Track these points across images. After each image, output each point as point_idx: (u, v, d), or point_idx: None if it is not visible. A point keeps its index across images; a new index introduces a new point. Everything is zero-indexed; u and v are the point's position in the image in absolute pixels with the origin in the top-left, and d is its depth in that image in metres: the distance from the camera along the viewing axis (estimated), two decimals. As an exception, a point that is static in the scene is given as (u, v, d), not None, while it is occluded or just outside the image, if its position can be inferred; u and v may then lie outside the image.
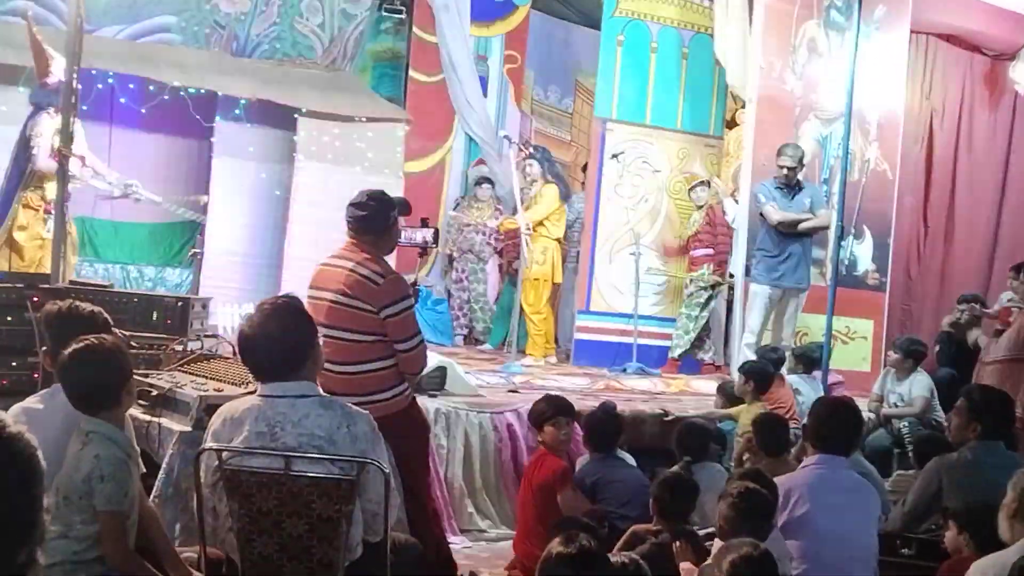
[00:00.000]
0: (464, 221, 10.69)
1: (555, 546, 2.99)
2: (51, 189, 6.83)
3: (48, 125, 7.11)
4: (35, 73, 7.36)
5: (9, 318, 5.39)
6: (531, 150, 9.73)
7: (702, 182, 9.92)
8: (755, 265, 8.92)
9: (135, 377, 4.51)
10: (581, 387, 8.25)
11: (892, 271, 10.53)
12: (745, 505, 3.80)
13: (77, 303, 3.85)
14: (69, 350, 3.32)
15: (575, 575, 2.93)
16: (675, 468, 5.28)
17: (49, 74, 7.10)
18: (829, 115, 9.78)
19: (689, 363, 9.85)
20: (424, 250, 9.72)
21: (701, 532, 4.46)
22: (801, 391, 7.60)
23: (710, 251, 9.77)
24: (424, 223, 9.83)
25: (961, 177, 11.90)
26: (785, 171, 8.67)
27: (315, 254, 7.29)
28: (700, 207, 9.86)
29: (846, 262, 9.71)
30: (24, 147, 7.40)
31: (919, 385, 8.07)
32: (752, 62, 9.55)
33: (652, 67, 10.25)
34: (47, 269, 6.39)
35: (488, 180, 10.82)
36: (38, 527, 1.21)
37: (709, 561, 3.65)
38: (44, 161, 6.98)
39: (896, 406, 8.09)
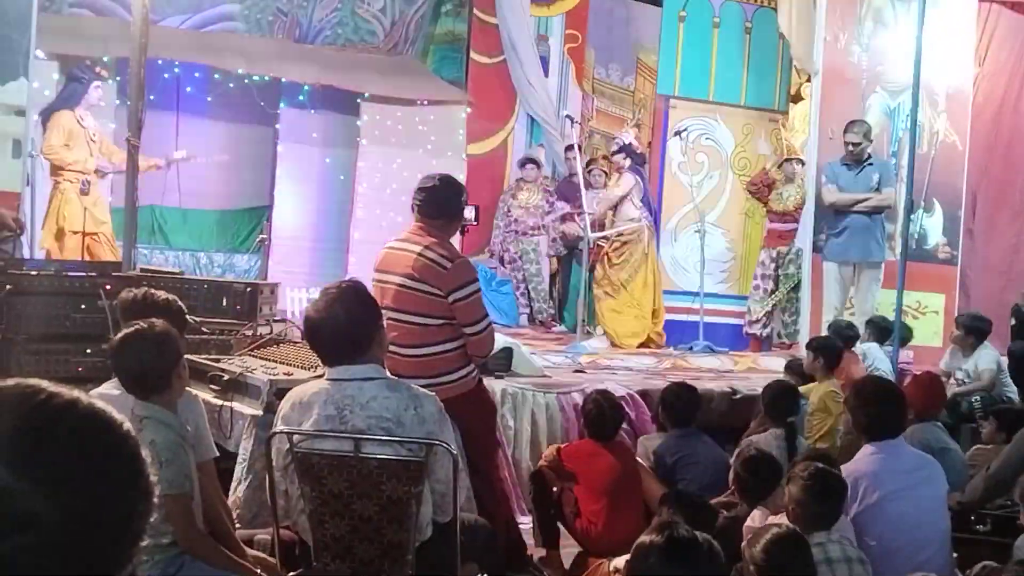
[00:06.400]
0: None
1: (648, 534, 2.94)
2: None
3: None
4: None
5: (83, 306, 5.48)
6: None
7: (796, 159, 9.78)
8: (824, 243, 8.86)
9: (204, 362, 4.62)
10: (648, 366, 8.23)
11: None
12: (818, 487, 3.71)
13: (152, 291, 3.92)
14: (119, 336, 3.37)
15: (669, 564, 2.88)
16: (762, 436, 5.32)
17: None
18: (896, 87, 9.60)
19: (768, 341, 9.80)
20: (463, 228, 9.82)
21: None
22: (876, 361, 7.47)
23: (798, 225, 9.62)
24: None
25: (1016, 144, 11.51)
26: (851, 147, 8.58)
27: (380, 237, 7.37)
28: (792, 181, 9.67)
29: (916, 236, 9.54)
30: None
31: (985, 359, 7.91)
32: (817, 34, 9.41)
33: (715, 42, 10.16)
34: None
35: (533, 161, 10.75)
36: (144, 532, 1.23)
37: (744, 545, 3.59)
38: None
39: (964, 382, 7.94)
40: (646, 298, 9.60)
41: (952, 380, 8.01)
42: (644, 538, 2.89)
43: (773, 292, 9.66)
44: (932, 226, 10.02)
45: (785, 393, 5.96)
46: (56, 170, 8.13)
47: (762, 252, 9.84)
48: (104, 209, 8.30)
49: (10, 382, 1.22)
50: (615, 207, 9.68)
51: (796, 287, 9.55)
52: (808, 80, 10.16)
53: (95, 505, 1.16)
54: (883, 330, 7.88)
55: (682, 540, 2.85)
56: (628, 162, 9.61)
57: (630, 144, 9.83)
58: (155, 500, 1.24)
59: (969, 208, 10.74)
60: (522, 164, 10.73)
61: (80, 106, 8.20)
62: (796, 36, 9.58)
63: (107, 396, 3.46)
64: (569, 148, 10.24)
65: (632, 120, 11.25)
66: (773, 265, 9.69)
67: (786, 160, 9.71)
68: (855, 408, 4.48)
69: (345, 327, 3.39)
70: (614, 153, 9.88)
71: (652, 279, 9.70)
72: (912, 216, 8.47)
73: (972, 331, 8.06)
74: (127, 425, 1.24)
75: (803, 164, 9.79)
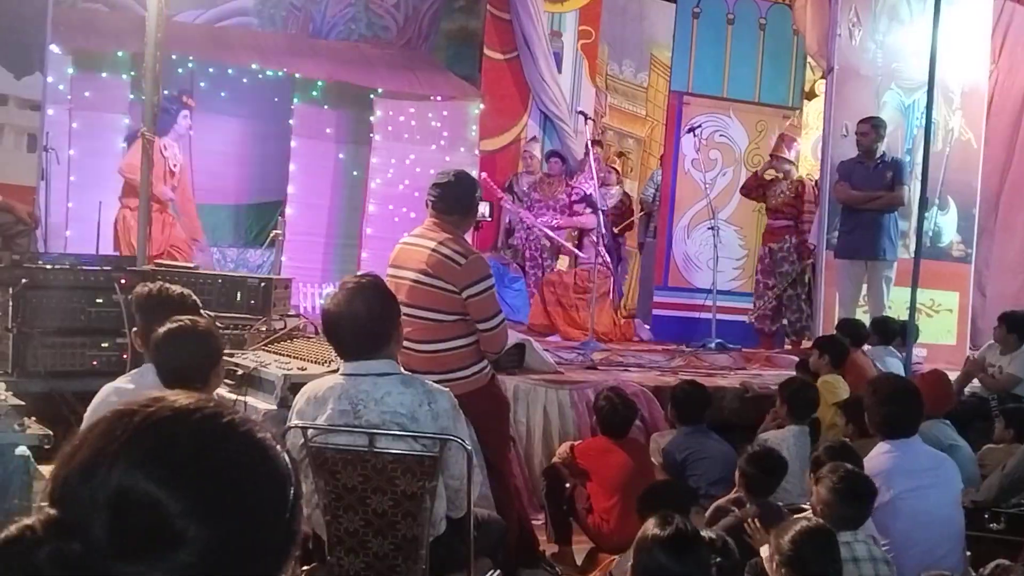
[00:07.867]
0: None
1: (650, 528, 2.94)
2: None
3: None
4: None
5: (98, 300, 5.50)
6: None
7: (783, 157, 9.71)
8: (836, 241, 8.84)
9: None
10: (660, 363, 8.22)
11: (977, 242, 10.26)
12: (847, 489, 3.69)
13: (167, 285, 3.93)
14: (163, 329, 3.39)
15: (673, 558, 2.87)
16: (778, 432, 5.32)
17: None
18: (911, 84, 9.56)
19: (780, 338, 9.76)
20: (477, 224, 9.84)
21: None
22: (886, 364, 7.43)
23: (791, 223, 9.58)
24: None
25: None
26: (859, 137, 8.57)
27: (392, 233, 7.38)
28: (784, 178, 9.61)
29: (930, 234, 9.51)
30: None
31: (1017, 362, 7.79)
32: (831, 31, 9.37)
33: (729, 39, 10.12)
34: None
35: (559, 155, 10.73)
36: (283, 571, 1.21)
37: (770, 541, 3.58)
38: None
39: (995, 377, 7.83)
40: (602, 320, 9.61)
41: (982, 375, 7.90)
42: (647, 531, 2.89)
43: (772, 287, 9.62)
44: (946, 224, 9.99)
45: (805, 388, 5.93)
46: (127, 192, 8.17)
47: (760, 248, 9.85)
48: (176, 230, 8.62)
49: (172, 397, 1.18)
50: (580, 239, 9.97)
51: (793, 283, 9.51)
52: (822, 77, 10.12)
53: (242, 534, 1.13)
54: (888, 330, 7.81)
55: (685, 533, 2.85)
56: (588, 211, 9.80)
57: (590, 195, 9.83)
58: (298, 540, 1.21)
59: (985, 206, 10.70)
60: (548, 157, 10.69)
61: (168, 136, 8.31)
62: (811, 32, 9.55)
63: (122, 390, 3.48)
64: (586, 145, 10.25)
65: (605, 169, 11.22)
66: (768, 260, 9.67)
67: (772, 156, 9.65)
68: (871, 406, 4.47)
69: (364, 321, 3.39)
70: (575, 203, 10.02)
71: (609, 310, 9.77)
72: (926, 214, 8.43)
73: (1014, 329, 7.90)
74: (286, 457, 1.21)
75: (791, 162, 9.69)
